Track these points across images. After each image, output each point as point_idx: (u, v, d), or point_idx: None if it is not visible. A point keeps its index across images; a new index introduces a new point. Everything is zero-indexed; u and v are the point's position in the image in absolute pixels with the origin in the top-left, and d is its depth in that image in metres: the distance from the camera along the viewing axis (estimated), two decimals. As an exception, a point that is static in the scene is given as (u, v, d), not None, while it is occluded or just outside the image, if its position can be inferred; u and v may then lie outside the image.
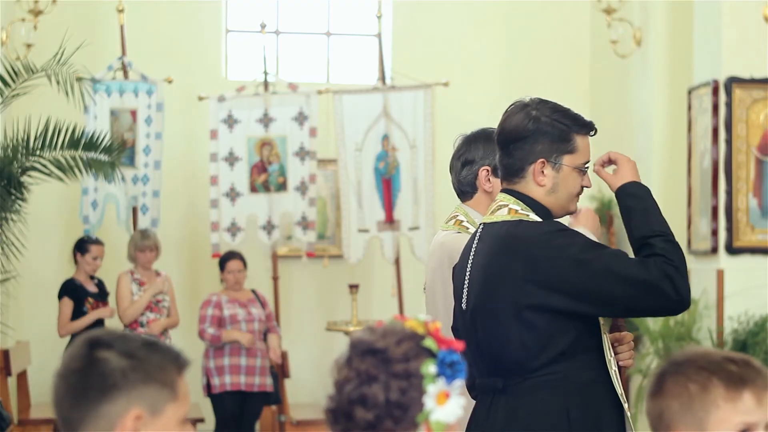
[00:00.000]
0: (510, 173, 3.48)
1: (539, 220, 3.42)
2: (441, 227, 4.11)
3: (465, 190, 4.08)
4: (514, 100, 3.56)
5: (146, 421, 2.10)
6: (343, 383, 2.14)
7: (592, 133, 3.48)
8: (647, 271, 3.28)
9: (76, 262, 8.84)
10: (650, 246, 3.34)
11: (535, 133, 3.42)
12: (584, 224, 3.66)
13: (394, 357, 2.09)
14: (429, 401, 2.08)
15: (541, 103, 3.46)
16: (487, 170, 4.00)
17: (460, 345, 2.11)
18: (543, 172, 3.43)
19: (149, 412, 2.11)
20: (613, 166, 3.55)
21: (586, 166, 3.48)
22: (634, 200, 3.43)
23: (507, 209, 3.45)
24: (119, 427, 2.09)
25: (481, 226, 3.53)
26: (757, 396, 2.27)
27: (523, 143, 3.42)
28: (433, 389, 2.07)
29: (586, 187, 3.50)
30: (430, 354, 2.10)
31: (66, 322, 8.58)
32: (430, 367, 2.08)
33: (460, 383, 2.10)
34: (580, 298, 3.28)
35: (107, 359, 2.11)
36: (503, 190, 3.51)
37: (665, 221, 3.42)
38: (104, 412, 2.09)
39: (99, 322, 8.68)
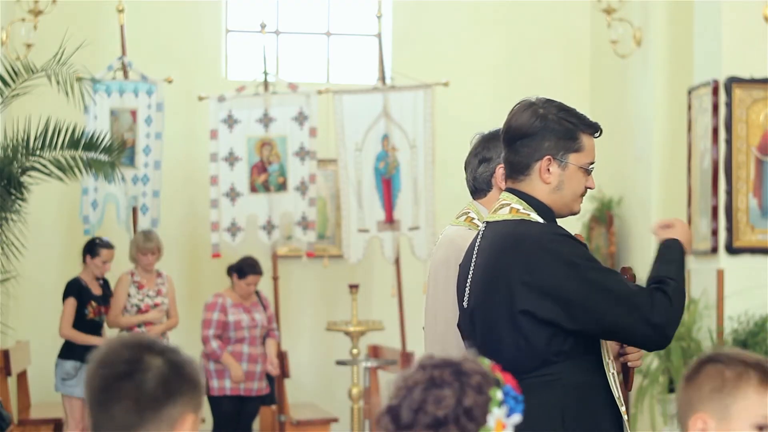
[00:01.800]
0: (515, 170, 3.48)
1: (541, 220, 3.42)
2: (451, 222, 4.12)
3: (480, 188, 4.09)
4: (515, 100, 3.57)
5: (196, 424, 2.20)
6: (413, 386, 2.13)
7: (597, 134, 3.50)
8: (642, 295, 3.32)
9: (84, 262, 8.76)
10: (661, 282, 3.37)
11: (543, 130, 3.43)
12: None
13: (469, 370, 2.14)
14: (491, 421, 2.12)
15: (548, 102, 3.48)
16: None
17: (518, 387, 2.17)
18: (549, 169, 3.43)
19: (196, 414, 2.19)
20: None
21: (591, 166, 3.49)
22: (669, 250, 3.48)
23: (509, 208, 3.45)
24: (178, 427, 2.16)
25: (484, 225, 3.54)
26: None
27: (530, 140, 3.43)
28: (497, 413, 2.12)
29: (590, 188, 3.51)
30: (497, 384, 2.16)
31: (68, 323, 8.53)
32: (498, 393, 2.13)
33: (516, 419, 2.14)
34: (567, 308, 3.28)
35: (159, 362, 2.17)
36: (506, 189, 3.52)
37: (683, 274, 3.46)
38: (167, 415, 2.15)
39: (97, 328, 8.63)
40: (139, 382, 2.14)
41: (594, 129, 3.49)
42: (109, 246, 8.73)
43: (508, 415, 2.13)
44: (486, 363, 2.19)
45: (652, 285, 3.37)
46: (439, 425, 2.10)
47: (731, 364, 2.35)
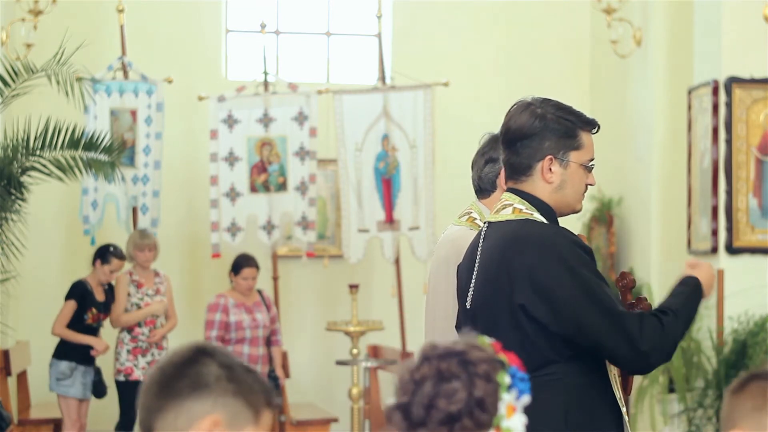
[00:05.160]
0: (516, 172, 3.48)
1: (544, 220, 3.42)
2: (454, 221, 4.12)
3: (484, 188, 4.10)
4: (515, 100, 3.57)
5: (222, 430, 2.13)
6: (421, 381, 2.11)
7: (595, 130, 3.50)
8: (632, 318, 3.29)
9: (93, 265, 8.73)
10: (661, 312, 3.36)
11: (543, 130, 3.43)
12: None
13: (476, 359, 2.11)
14: (502, 407, 2.10)
15: (545, 101, 3.48)
16: None
17: (522, 366, 2.14)
18: (551, 169, 3.43)
19: (228, 423, 2.13)
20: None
21: (592, 163, 3.49)
22: (682, 286, 3.47)
23: (511, 208, 3.45)
24: (196, 426, 2.12)
25: (486, 225, 3.53)
26: None
27: (531, 141, 3.43)
28: (507, 398, 2.10)
29: (591, 185, 3.51)
30: (503, 366, 2.13)
31: (63, 323, 8.49)
32: (505, 378, 2.11)
33: (526, 400, 2.12)
34: (555, 311, 3.27)
35: (208, 363, 2.15)
36: (508, 189, 3.51)
37: (693, 312, 3.44)
38: (187, 408, 2.12)
39: (93, 333, 8.61)
40: (180, 370, 2.14)
41: (592, 125, 3.49)
42: (122, 257, 8.66)
43: (518, 397, 2.12)
44: (487, 344, 2.17)
45: (652, 312, 3.36)
46: (453, 420, 2.08)
47: None
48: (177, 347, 2.22)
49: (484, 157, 4.10)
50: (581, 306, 3.27)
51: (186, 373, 2.14)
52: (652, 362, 3.29)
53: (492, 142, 4.08)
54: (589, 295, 3.27)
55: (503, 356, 2.14)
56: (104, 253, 8.66)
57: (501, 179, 4.02)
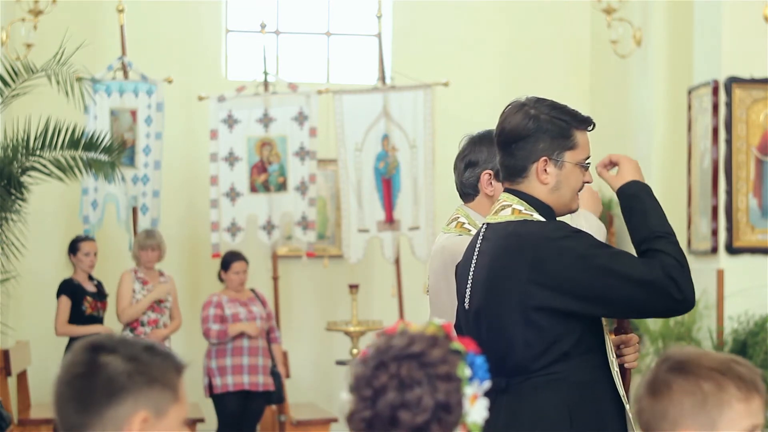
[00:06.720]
0: (512, 174, 3.47)
1: (543, 220, 3.42)
2: (442, 229, 4.09)
3: (467, 192, 4.06)
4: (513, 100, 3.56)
5: (152, 423, 2.13)
6: (381, 390, 2.07)
7: (590, 128, 3.49)
8: (651, 271, 3.27)
9: (73, 264, 8.81)
10: (653, 247, 3.34)
11: (536, 131, 3.41)
12: (585, 204, 3.67)
13: (434, 360, 2.08)
14: (466, 403, 2.08)
15: (539, 101, 3.46)
16: (489, 174, 3.95)
17: (477, 347, 2.12)
18: (546, 170, 3.42)
19: (154, 414, 2.14)
20: (615, 168, 3.55)
21: (588, 161, 3.48)
22: (634, 200, 3.43)
23: (510, 209, 3.44)
24: (126, 429, 2.12)
25: (485, 226, 3.52)
26: (762, 399, 2.31)
27: (525, 143, 3.42)
28: (469, 391, 2.09)
29: (588, 183, 3.50)
30: (461, 355, 2.11)
31: (64, 320, 8.55)
32: (466, 370, 2.09)
33: (487, 384, 2.11)
34: (585, 299, 3.27)
35: (111, 363, 2.13)
36: (506, 190, 3.50)
37: (666, 221, 3.41)
38: (111, 416, 2.12)
39: (96, 323, 8.65)
40: (88, 382, 2.12)
41: (587, 123, 3.47)
42: (87, 239, 8.79)
43: (480, 383, 2.09)
44: (439, 329, 2.12)
45: (648, 253, 3.33)
46: (421, 430, 2.06)
47: (704, 373, 2.29)
48: (70, 353, 2.18)
49: (464, 161, 4.04)
50: (608, 286, 3.27)
51: (96, 384, 2.11)
52: (689, 297, 3.29)
53: (471, 144, 4.03)
54: (610, 272, 3.27)
55: (458, 344, 2.10)
56: (72, 245, 8.81)
57: (482, 183, 3.99)
